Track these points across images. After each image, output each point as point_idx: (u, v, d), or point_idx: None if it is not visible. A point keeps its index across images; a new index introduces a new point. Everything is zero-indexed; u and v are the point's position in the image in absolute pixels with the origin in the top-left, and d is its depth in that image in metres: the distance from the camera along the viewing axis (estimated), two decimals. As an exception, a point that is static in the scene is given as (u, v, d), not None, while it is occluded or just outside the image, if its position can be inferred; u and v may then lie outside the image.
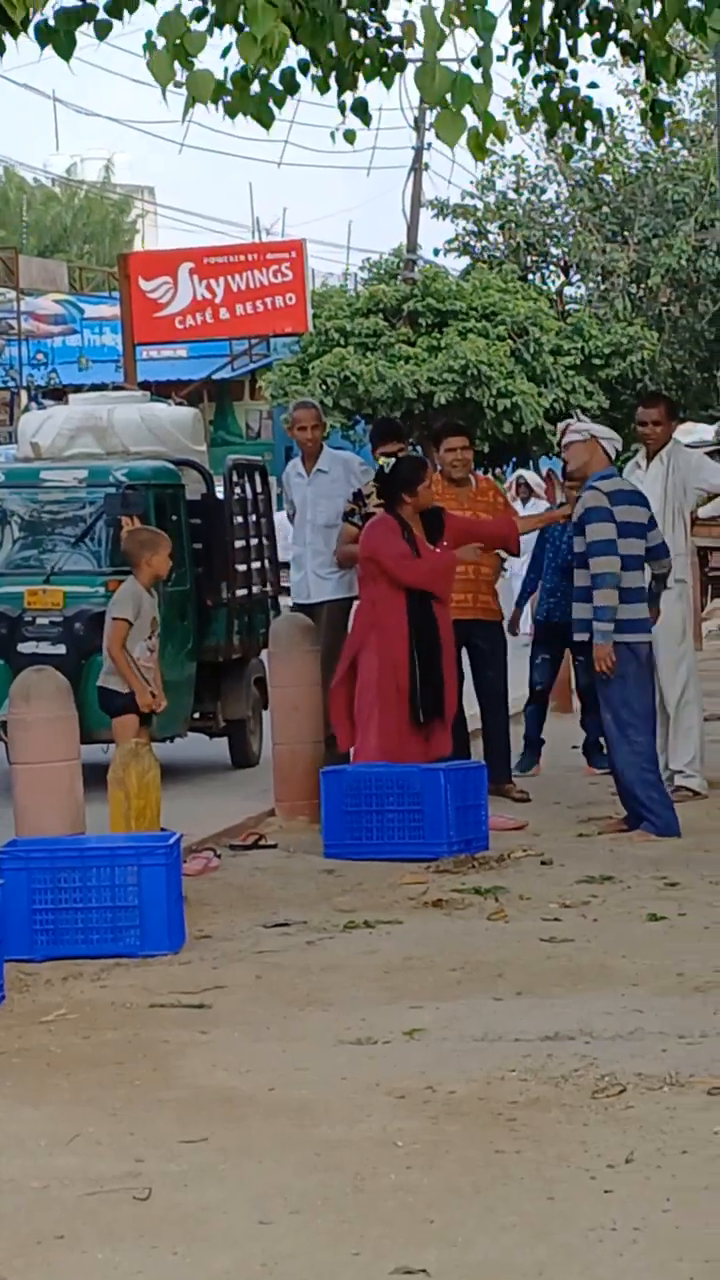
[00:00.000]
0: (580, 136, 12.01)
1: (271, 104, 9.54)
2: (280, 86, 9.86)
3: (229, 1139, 5.72)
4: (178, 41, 8.10)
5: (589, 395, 40.30)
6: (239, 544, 14.36)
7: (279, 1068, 6.42)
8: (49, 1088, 6.32)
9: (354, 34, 10.48)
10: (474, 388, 38.43)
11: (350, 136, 10.76)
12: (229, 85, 9.33)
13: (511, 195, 44.81)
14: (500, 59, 10.01)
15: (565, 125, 11.91)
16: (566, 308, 43.88)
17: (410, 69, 9.57)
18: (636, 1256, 4.76)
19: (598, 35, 11.45)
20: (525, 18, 11.05)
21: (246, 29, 7.90)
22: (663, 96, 12.25)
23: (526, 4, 11.04)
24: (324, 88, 10.55)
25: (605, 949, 7.95)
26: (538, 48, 11.37)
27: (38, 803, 9.50)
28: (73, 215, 63.06)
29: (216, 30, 9.16)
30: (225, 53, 9.37)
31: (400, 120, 45.33)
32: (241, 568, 14.34)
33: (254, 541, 14.67)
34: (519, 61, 11.53)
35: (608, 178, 43.12)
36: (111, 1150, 5.67)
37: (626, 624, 10.50)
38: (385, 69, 10.74)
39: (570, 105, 11.76)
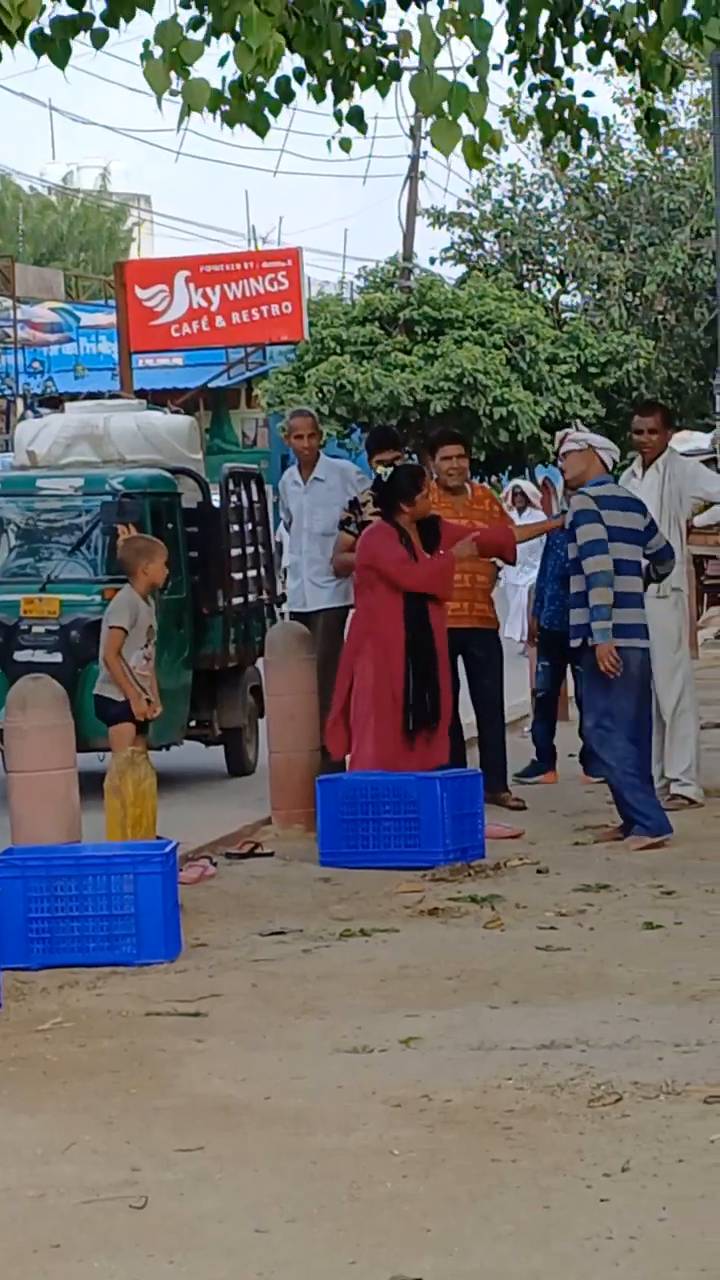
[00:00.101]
0: (576, 145, 12.05)
1: (267, 112, 9.56)
2: (276, 95, 9.89)
3: (225, 1147, 5.71)
4: (174, 50, 8.12)
5: (585, 403, 40.31)
6: (235, 552, 14.36)
7: (275, 1076, 6.42)
8: (45, 1096, 6.32)
9: (350, 43, 10.51)
10: (470, 396, 38.44)
11: (346, 145, 10.79)
12: (226, 94, 9.34)
13: (507, 203, 44.82)
14: (496, 68, 10.02)
15: (561, 134, 11.94)
16: (562, 316, 43.90)
17: (406, 77, 9.61)
18: (633, 1265, 4.76)
19: (593, 44, 11.48)
20: (521, 27, 11.06)
21: (243, 38, 7.92)
22: (658, 105, 12.26)
23: (523, 13, 11.05)
24: (320, 96, 10.58)
25: (601, 957, 7.95)
26: (533, 56, 11.39)
27: (34, 811, 9.50)
28: (69, 223, 63.05)
29: (213, 39, 9.18)
30: (222, 61, 9.39)
31: (396, 129, 45.43)
32: (238, 576, 14.34)
33: (250, 550, 14.68)
34: (514, 70, 11.55)
35: (603, 186, 43.14)
36: (108, 1159, 5.66)
37: (619, 629, 10.51)
38: (381, 78, 10.77)
39: (566, 114, 11.79)
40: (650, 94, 11.98)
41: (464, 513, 11.77)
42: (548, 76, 11.67)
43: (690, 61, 35.05)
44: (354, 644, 11.05)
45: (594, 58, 11.61)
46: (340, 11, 10.21)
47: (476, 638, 11.87)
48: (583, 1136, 5.68)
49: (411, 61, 9.22)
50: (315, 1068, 6.49)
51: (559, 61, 11.61)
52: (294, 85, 10.35)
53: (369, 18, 10.81)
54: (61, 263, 57.03)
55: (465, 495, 12.01)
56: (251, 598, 14.58)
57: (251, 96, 9.58)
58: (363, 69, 10.69)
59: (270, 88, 9.71)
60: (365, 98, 11.15)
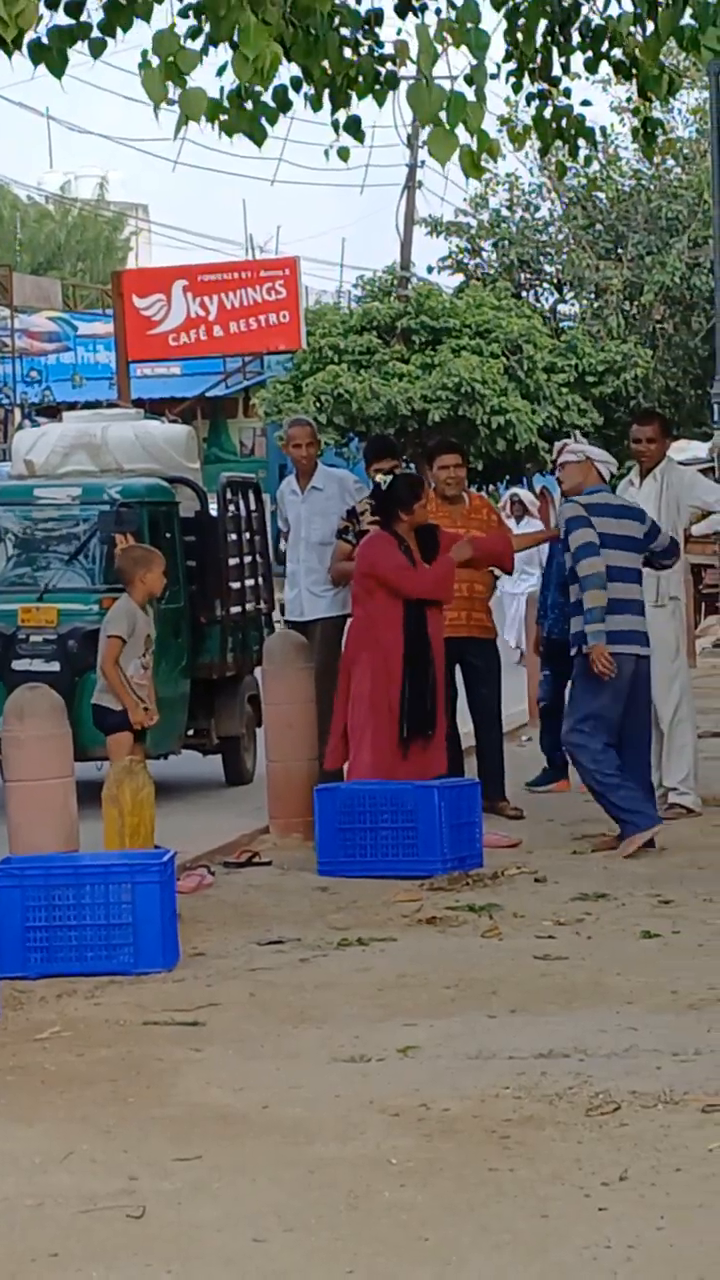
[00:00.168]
0: (573, 154, 12.06)
1: (264, 121, 9.57)
2: (273, 104, 9.89)
3: (223, 1157, 5.71)
4: (170, 60, 8.12)
5: (582, 413, 40.35)
6: (233, 561, 14.36)
7: (273, 1085, 6.41)
8: (43, 1105, 6.32)
9: (347, 52, 10.52)
10: (467, 405, 38.48)
11: (344, 154, 10.79)
12: (225, 104, 9.35)
13: (505, 213, 44.88)
14: (493, 77, 10.03)
15: (558, 143, 11.94)
16: (560, 325, 43.93)
17: (403, 87, 9.61)
18: (631, 1274, 4.76)
19: (590, 53, 11.48)
20: (519, 36, 11.07)
21: (240, 48, 7.93)
22: (655, 114, 12.27)
23: (520, 22, 11.06)
24: (317, 105, 10.59)
25: (599, 966, 7.95)
26: (531, 66, 11.40)
27: (32, 820, 9.50)
28: (66, 233, 63.11)
29: (211, 49, 9.18)
30: (220, 71, 9.40)
31: (394, 138, 45.45)
32: (235, 585, 14.34)
33: (248, 559, 14.68)
34: (512, 79, 11.55)
35: (601, 195, 43.20)
36: (105, 1168, 5.66)
37: (611, 635, 10.52)
38: (378, 87, 10.78)
39: (563, 123, 11.79)
40: (647, 103, 12.00)
41: (462, 522, 11.77)
42: (545, 86, 11.67)
43: (688, 71, 35.13)
44: (351, 653, 11.04)
45: (591, 67, 11.62)
46: (338, 21, 10.22)
47: (474, 647, 11.87)
48: (581, 1145, 5.68)
49: (409, 71, 9.22)
50: (313, 1077, 6.48)
51: (556, 71, 11.62)
52: (291, 94, 10.36)
53: (366, 27, 10.81)
54: (59, 272, 57.09)
55: (463, 504, 12.01)
56: (249, 607, 14.58)
57: (249, 105, 9.58)
58: (360, 78, 10.69)
59: (267, 97, 9.71)
60: (363, 107, 11.17)
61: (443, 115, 8.01)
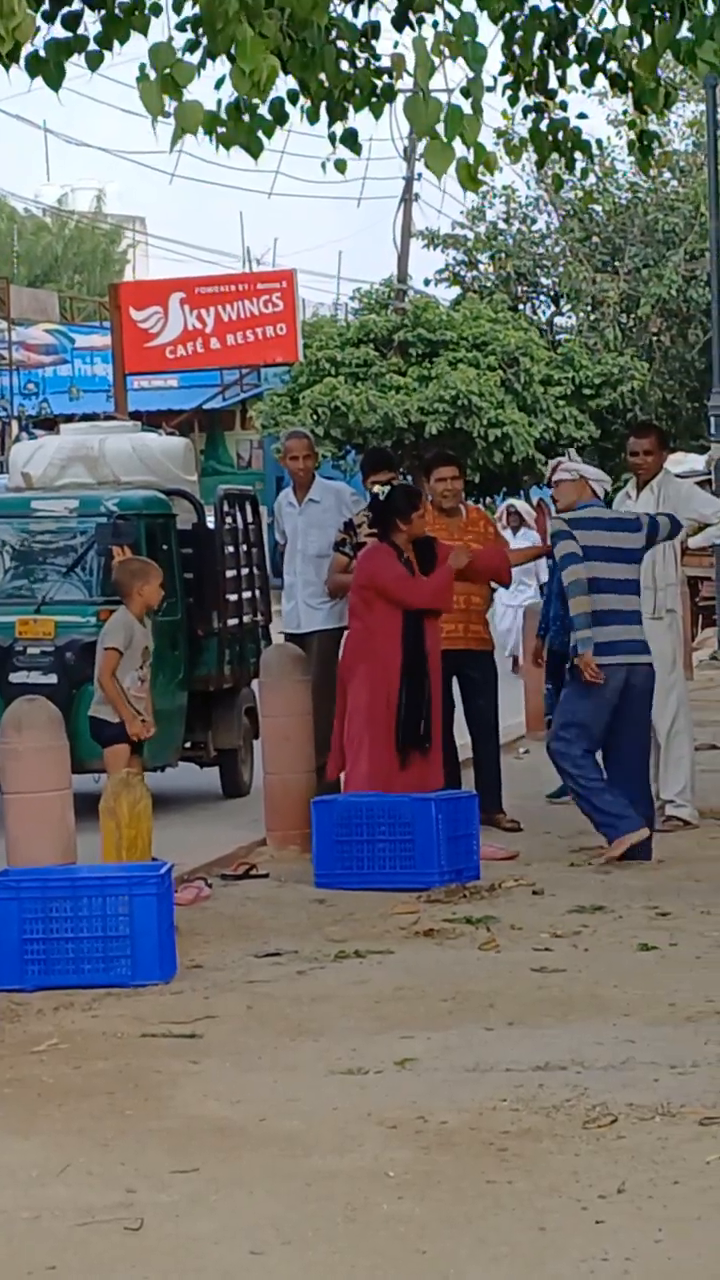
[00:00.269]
0: (570, 167, 12.05)
1: (261, 134, 9.58)
2: (270, 117, 9.90)
3: (220, 1169, 5.71)
4: (167, 72, 8.13)
5: (579, 425, 40.35)
6: (230, 574, 14.37)
7: (270, 1098, 6.41)
8: (40, 1118, 6.31)
9: (344, 65, 10.52)
10: (464, 418, 38.49)
11: (340, 166, 10.79)
12: (223, 116, 9.36)
13: (502, 225, 44.90)
14: (489, 90, 10.04)
15: (555, 156, 11.95)
16: (557, 338, 43.95)
17: (400, 99, 9.62)
18: (629, 1287, 4.75)
19: (586, 66, 11.49)
20: (516, 49, 11.08)
21: (237, 62, 7.94)
22: (651, 127, 12.27)
23: (517, 35, 11.08)
24: (314, 118, 10.60)
25: (597, 979, 7.94)
26: (527, 79, 11.41)
27: (29, 832, 9.50)
28: (63, 245, 63.16)
29: (209, 62, 9.19)
30: (219, 84, 9.40)
31: (391, 150, 45.51)
32: (232, 597, 14.35)
33: (245, 571, 14.68)
34: (508, 92, 11.56)
35: (598, 208, 43.22)
36: (103, 1180, 5.65)
37: (603, 646, 10.54)
38: (375, 99, 10.79)
39: (560, 136, 11.80)
40: (644, 116, 12.01)
41: (459, 534, 11.78)
42: (541, 98, 11.68)
43: (684, 84, 35.16)
44: (348, 664, 11.05)
45: (587, 80, 11.63)
46: (334, 34, 10.23)
47: (472, 659, 11.87)
48: (578, 1158, 5.68)
49: (406, 83, 9.23)
50: (310, 1089, 6.48)
51: (553, 83, 11.63)
52: (288, 107, 10.37)
53: (363, 40, 10.82)
54: (56, 284, 57.12)
55: (460, 517, 12.01)
56: (246, 619, 14.58)
57: (246, 118, 9.59)
58: (357, 91, 10.70)
59: (264, 110, 9.72)
60: (359, 119, 11.19)
61: (439, 128, 8.01)
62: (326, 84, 10.21)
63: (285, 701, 11.62)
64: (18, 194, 62.65)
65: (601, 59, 11.44)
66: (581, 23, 11.37)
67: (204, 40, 9.28)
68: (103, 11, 10.16)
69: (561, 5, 11.17)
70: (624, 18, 10.83)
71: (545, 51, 11.40)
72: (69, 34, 10.17)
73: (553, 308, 45.93)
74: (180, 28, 9.98)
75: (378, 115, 10.82)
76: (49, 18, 10.16)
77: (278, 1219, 5.27)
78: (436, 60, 8.07)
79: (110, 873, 8.59)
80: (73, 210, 64.50)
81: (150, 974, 8.04)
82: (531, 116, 11.77)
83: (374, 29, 10.95)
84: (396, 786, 10.58)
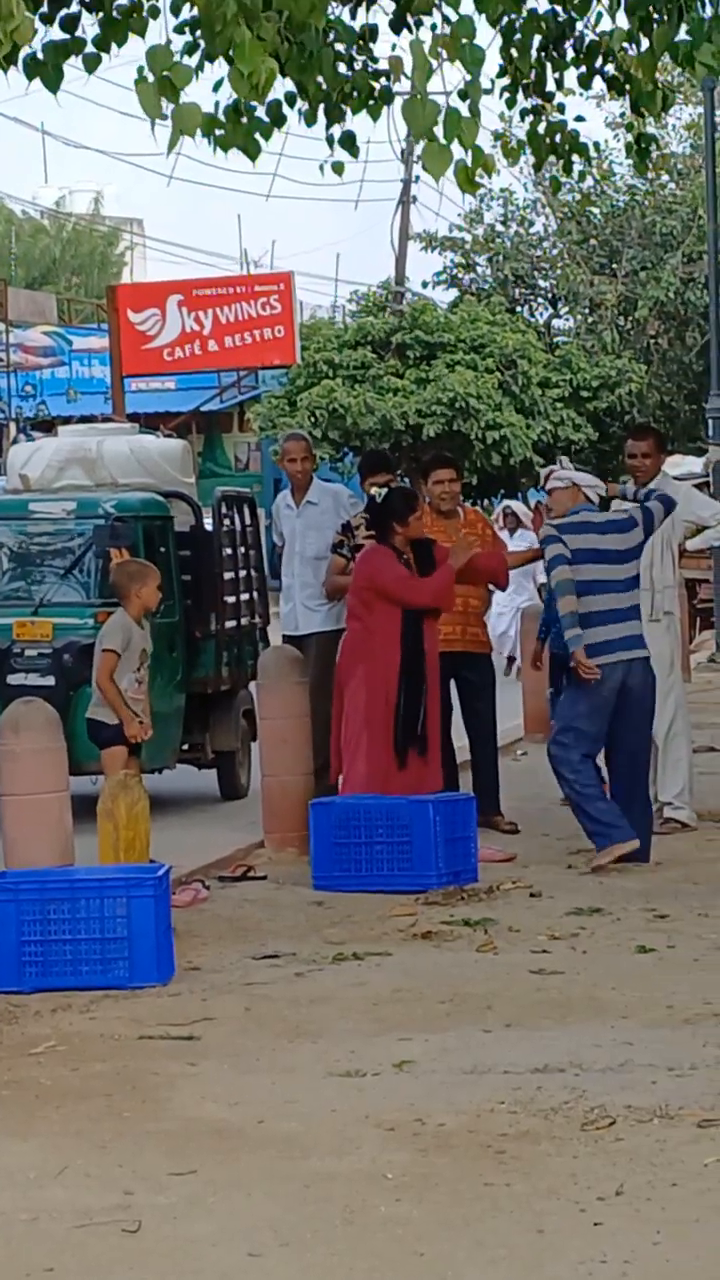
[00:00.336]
0: (567, 169, 12.04)
1: (259, 136, 9.57)
2: (268, 119, 9.89)
3: (218, 1171, 5.71)
4: (165, 75, 8.13)
5: (577, 428, 40.35)
6: (228, 576, 14.37)
7: (268, 1100, 6.41)
8: (38, 1120, 6.31)
9: (341, 67, 10.52)
10: (462, 420, 38.48)
11: (338, 169, 10.79)
12: (221, 119, 9.35)
13: (499, 228, 44.90)
14: (487, 92, 10.03)
15: (552, 158, 11.94)
16: (554, 340, 43.95)
17: (398, 102, 9.62)
18: (627, 1289, 4.75)
19: (584, 69, 11.49)
20: (514, 51, 11.08)
21: (235, 64, 7.93)
22: (649, 130, 12.27)
23: (516, 38, 11.07)
24: (312, 120, 10.59)
25: (594, 981, 7.94)
26: (525, 81, 11.40)
27: (27, 834, 9.50)
28: (61, 247, 63.17)
29: (207, 64, 9.19)
30: (217, 86, 9.40)
31: (388, 153, 45.50)
32: (230, 599, 14.35)
33: (243, 573, 14.69)
34: (506, 95, 11.56)
35: (595, 210, 43.22)
36: (100, 1182, 5.65)
37: (597, 646, 10.55)
38: (373, 102, 10.79)
39: (557, 138, 11.79)
40: (641, 119, 12.00)
41: (456, 536, 11.78)
42: (539, 101, 11.68)
43: (681, 86, 35.19)
44: (346, 666, 11.05)
45: (585, 83, 11.62)
46: (332, 36, 10.23)
47: (469, 662, 11.88)
48: (576, 1160, 5.68)
49: (403, 86, 9.22)
50: (308, 1091, 6.48)
51: (550, 86, 11.63)
52: (285, 109, 10.37)
53: (361, 42, 10.82)
54: (54, 286, 57.11)
55: (458, 519, 12.01)
56: (244, 621, 14.58)
57: (244, 120, 9.58)
58: (355, 93, 10.70)
59: (262, 112, 9.71)
60: (357, 122, 11.16)
61: (438, 130, 8.01)
62: (324, 86, 10.21)
63: (283, 703, 11.62)
64: (15, 196, 62.68)
65: (599, 62, 11.43)
66: (579, 25, 11.37)
67: (202, 43, 9.28)
68: (100, 14, 10.16)
69: (559, 8, 11.17)
70: (622, 20, 10.82)
71: (543, 54, 11.39)
72: (66, 36, 10.16)
73: (550, 310, 45.93)
74: (178, 30, 9.98)
75: (375, 118, 10.82)
76: (47, 20, 10.16)
77: (276, 1221, 5.27)
78: (434, 63, 8.06)
79: (108, 874, 8.59)
80: (70, 212, 64.51)
81: (148, 976, 8.04)
82: (529, 119, 11.76)
83: (372, 31, 10.95)
84: (394, 788, 10.58)
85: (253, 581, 14.86)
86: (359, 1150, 5.84)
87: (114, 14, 10.10)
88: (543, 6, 11.06)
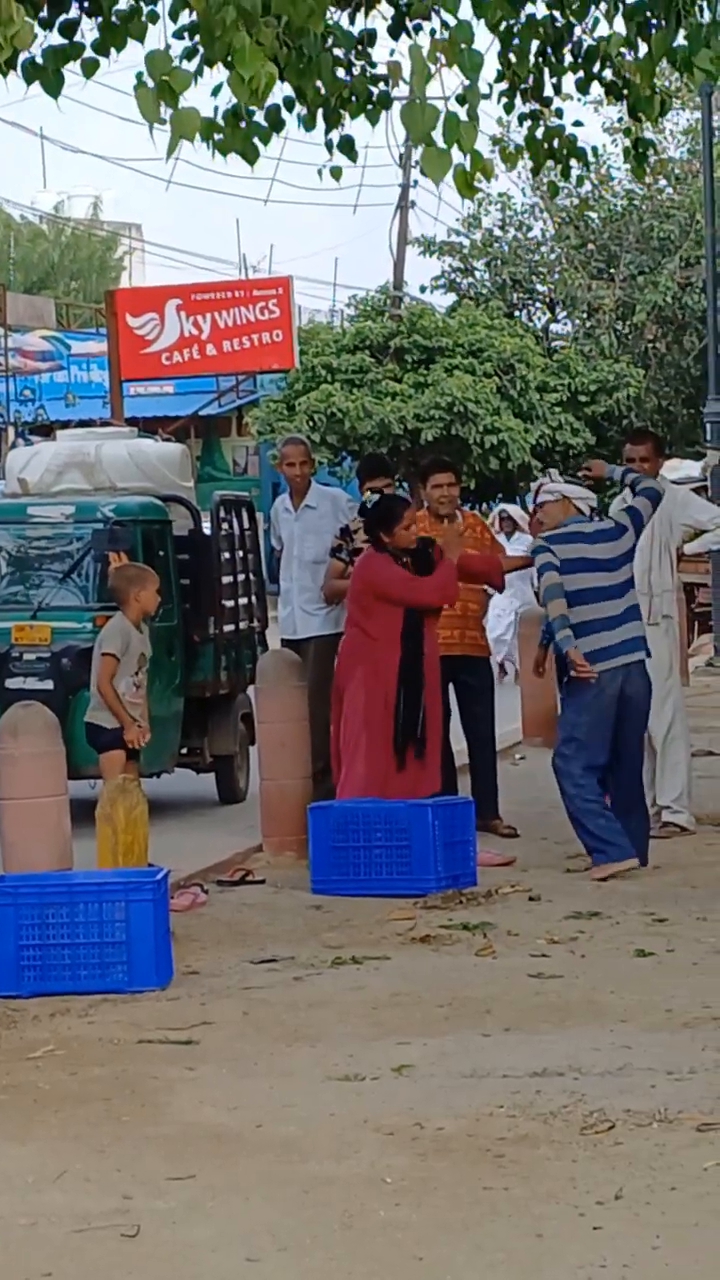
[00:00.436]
0: (565, 174, 12.05)
1: (257, 141, 9.57)
2: (266, 124, 9.90)
3: (217, 1176, 5.70)
4: (164, 80, 8.13)
5: (575, 432, 40.37)
6: (226, 580, 14.37)
7: (267, 1104, 6.41)
8: (36, 1124, 6.31)
9: (340, 72, 10.53)
10: (460, 424, 38.50)
11: (337, 173, 10.79)
12: (220, 123, 9.35)
13: (498, 232, 44.93)
14: (485, 97, 10.04)
15: (550, 163, 11.95)
16: (553, 344, 43.97)
17: (396, 106, 9.62)
18: (626, 1293, 4.75)
19: (582, 74, 11.50)
20: (512, 57, 11.09)
21: (235, 69, 7.94)
22: (647, 135, 12.27)
23: (514, 43, 11.08)
24: (310, 125, 10.60)
25: (593, 985, 7.94)
26: (523, 86, 11.41)
27: (25, 838, 9.49)
28: (60, 252, 63.16)
29: (206, 69, 9.19)
30: (216, 91, 9.41)
31: (387, 158, 45.48)
32: (229, 603, 14.35)
33: (241, 577, 14.69)
34: (504, 100, 11.56)
35: (593, 215, 43.26)
36: (99, 1187, 5.65)
37: (592, 654, 10.55)
38: (371, 107, 10.79)
39: (555, 143, 11.80)
40: (639, 124, 12.01)
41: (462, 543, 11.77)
42: (537, 106, 11.68)
43: (679, 91, 35.19)
44: (344, 670, 11.05)
45: (583, 88, 11.63)
46: (331, 41, 10.23)
47: (468, 665, 11.88)
48: (575, 1164, 5.68)
49: (402, 91, 9.22)
50: (307, 1096, 6.48)
51: (548, 91, 11.63)
52: (284, 114, 10.37)
53: (359, 47, 10.83)
54: (52, 291, 57.13)
55: (456, 523, 12.01)
56: (242, 625, 14.58)
57: (242, 125, 9.58)
58: (353, 98, 10.70)
59: (260, 116, 9.71)
60: (356, 127, 11.17)
61: (436, 135, 8.01)
62: (323, 91, 10.21)
63: (281, 707, 11.62)
64: (14, 201, 62.56)
65: (597, 67, 11.44)
66: (577, 31, 11.37)
67: (201, 48, 9.28)
68: (100, 19, 10.16)
69: (558, 13, 11.17)
70: (620, 26, 10.82)
71: (541, 59, 11.40)
72: (65, 41, 10.16)
73: (548, 314, 45.96)
74: (177, 35, 9.98)
75: (374, 122, 10.82)
76: (46, 25, 10.16)
77: (274, 1225, 5.27)
78: (433, 67, 8.06)
79: (106, 878, 8.59)
80: (69, 217, 64.51)
81: (146, 980, 8.04)
82: (527, 124, 11.77)
83: (370, 36, 10.96)
84: (391, 791, 10.59)
85: (251, 585, 14.86)
86: (358, 1154, 5.84)
87: (113, 19, 10.10)
88: (541, 12, 11.07)
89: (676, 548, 12.17)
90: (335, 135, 10.87)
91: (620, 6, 10.68)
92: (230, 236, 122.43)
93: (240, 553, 14.75)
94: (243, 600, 14.64)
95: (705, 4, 10.34)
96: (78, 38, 10.18)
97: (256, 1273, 4.96)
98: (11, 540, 13.61)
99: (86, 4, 10.22)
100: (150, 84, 8.01)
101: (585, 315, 43.81)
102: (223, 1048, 7.15)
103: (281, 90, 9.98)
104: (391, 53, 10.99)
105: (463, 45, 8.18)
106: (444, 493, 11.98)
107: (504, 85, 11.44)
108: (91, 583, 13.34)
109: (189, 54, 9.81)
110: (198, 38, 9.38)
